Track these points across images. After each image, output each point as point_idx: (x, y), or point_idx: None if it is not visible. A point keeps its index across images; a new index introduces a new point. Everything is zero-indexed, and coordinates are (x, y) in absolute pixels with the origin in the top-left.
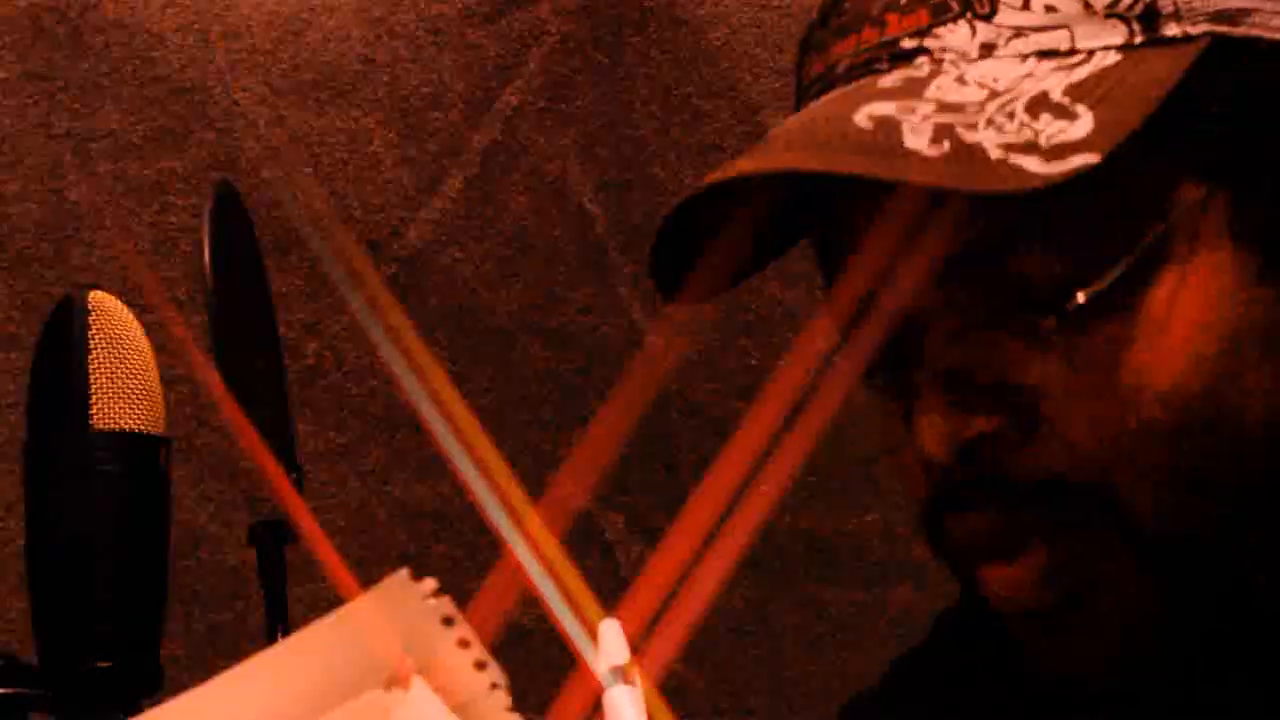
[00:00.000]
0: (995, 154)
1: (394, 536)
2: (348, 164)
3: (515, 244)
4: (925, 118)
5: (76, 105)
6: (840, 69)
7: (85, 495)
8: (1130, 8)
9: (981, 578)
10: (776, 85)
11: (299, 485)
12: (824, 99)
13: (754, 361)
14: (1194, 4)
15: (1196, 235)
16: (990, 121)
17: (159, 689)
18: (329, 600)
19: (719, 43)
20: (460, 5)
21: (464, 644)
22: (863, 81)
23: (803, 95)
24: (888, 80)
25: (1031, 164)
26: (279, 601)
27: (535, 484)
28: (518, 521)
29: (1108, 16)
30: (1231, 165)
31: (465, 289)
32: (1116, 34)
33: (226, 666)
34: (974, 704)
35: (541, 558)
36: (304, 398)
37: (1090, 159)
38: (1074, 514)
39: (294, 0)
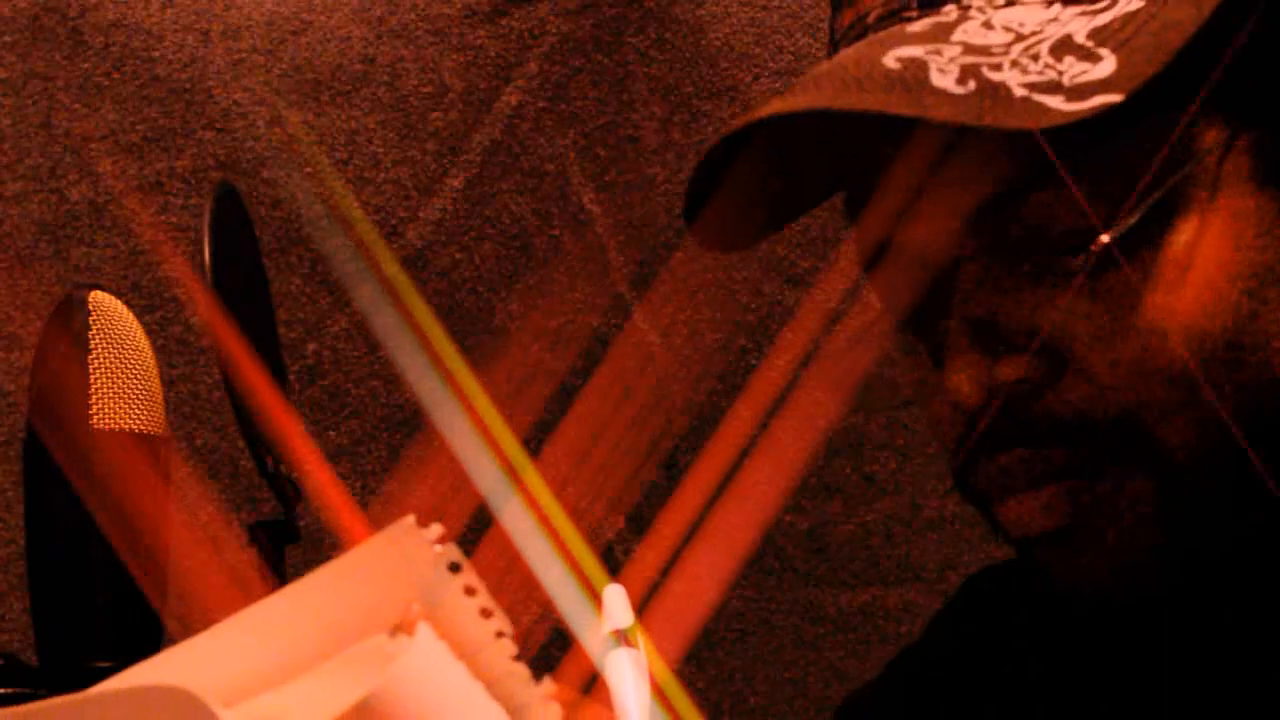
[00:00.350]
0: (1019, 92)
1: None
2: (348, 164)
3: (515, 244)
4: (952, 59)
5: (76, 105)
6: (870, 19)
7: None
8: None
9: (1003, 512)
10: (776, 85)
11: (299, 485)
12: (854, 46)
13: (754, 361)
14: None
15: (1219, 177)
16: (1015, 63)
17: None
18: None
19: (719, 43)
20: (460, 5)
21: (470, 591)
22: (892, 29)
23: (835, 47)
24: (916, 26)
25: (1054, 102)
26: None
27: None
28: (521, 492)
29: None
30: (1256, 108)
31: (465, 289)
32: None
33: None
34: (974, 704)
35: (545, 525)
36: (304, 398)
37: (1112, 98)
38: (1100, 451)
39: (294, 0)
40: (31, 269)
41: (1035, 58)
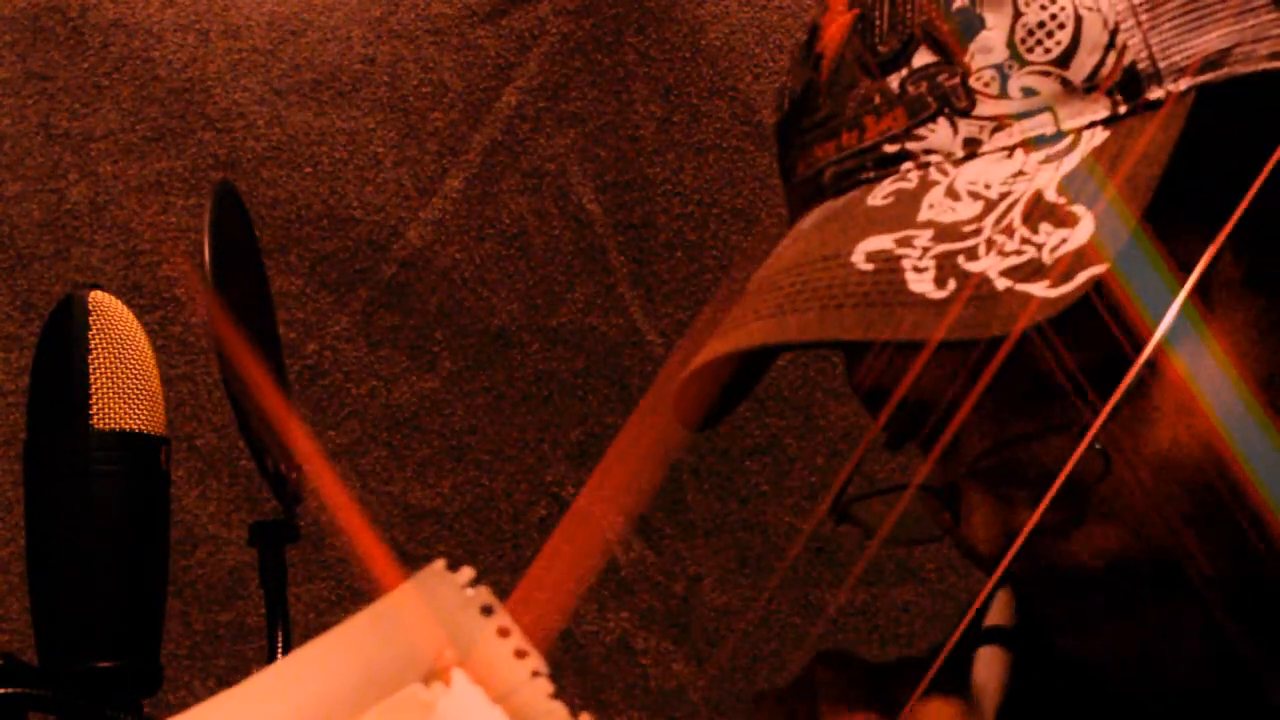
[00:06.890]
0: (1001, 284)
1: (394, 536)
2: (348, 164)
3: (515, 244)
4: (924, 250)
5: (76, 105)
6: (826, 177)
7: (85, 495)
8: (1109, 78)
9: (1059, 647)
10: (776, 85)
11: (300, 485)
12: (815, 217)
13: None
14: (1172, 59)
15: (1209, 293)
16: (990, 242)
17: (159, 688)
18: (329, 600)
19: (719, 43)
20: (460, 5)
21: (504, 633)
22: (852, 195)
23: (791, 194)
24: (877, 196)
25: (1039, 289)
26: (279, 601)
27: (536, 484)
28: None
29: (1088, 91)
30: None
31: (465, 289)
32: (1100, 108)
33: (226, 666)
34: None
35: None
36: (304, 398)
37: (1097, 270)
38: (1135, 587)
39: (294, 0)
40: (31, 269)
41: (1009, 232)
